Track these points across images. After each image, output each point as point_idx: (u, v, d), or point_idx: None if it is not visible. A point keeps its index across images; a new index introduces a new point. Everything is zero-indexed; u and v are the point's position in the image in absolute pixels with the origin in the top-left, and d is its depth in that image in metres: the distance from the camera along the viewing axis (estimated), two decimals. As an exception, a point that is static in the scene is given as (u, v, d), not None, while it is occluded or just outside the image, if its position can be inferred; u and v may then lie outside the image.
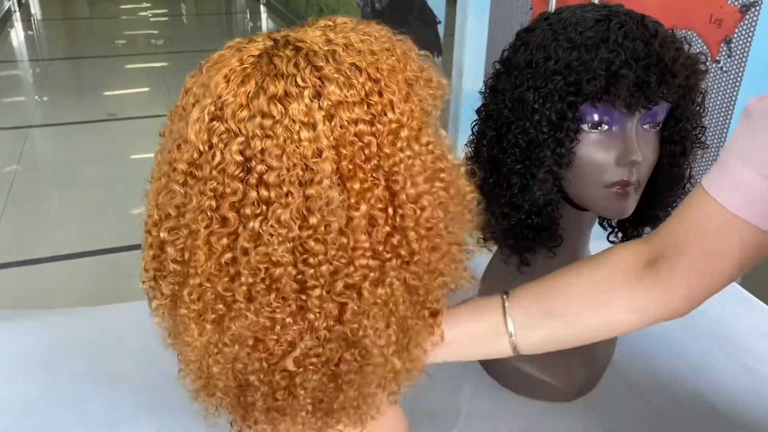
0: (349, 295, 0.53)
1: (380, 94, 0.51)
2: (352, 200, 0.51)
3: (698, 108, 0.77)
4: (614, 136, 0.73)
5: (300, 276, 0.51)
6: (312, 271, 0.51)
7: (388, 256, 0.53)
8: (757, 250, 0.59)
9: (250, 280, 0.51)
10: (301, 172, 0.49)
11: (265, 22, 6.68)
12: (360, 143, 0.50)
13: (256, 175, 0.49)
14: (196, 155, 0.50)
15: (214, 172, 0.50)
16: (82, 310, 1.09)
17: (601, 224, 0.88)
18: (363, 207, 0.51)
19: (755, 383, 0.94)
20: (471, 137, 0.83)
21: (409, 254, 0.54)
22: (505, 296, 0.67)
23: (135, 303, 1.07)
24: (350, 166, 0.50)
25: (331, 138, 0.49)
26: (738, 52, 1.49)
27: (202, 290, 0.53)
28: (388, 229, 0.53)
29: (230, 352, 0.55)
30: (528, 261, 0.82)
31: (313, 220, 0.50)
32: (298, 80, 0.49)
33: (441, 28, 3.05)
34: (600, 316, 0.66)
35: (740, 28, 1.48)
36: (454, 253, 0.58)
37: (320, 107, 0.49)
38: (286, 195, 0.49)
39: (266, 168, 0.49)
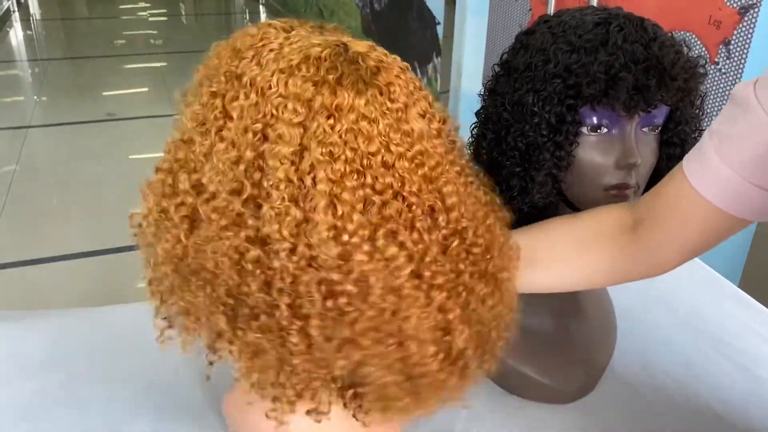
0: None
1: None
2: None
3: (697, 111, 0.77)
4: (613, 138, 0.73)
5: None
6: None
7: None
8: (728, 231, 0.63)
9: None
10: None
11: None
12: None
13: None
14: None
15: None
16: (81, 311, 1.09)
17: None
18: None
19: (753, 385, 0.94)
20: (470, 140, 0.83)
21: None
22: None
23: (134, 304, 1.07)
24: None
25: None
26: (737, 53, 1.49)
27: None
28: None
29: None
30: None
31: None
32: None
33: (440, 29, 3.05)
34: (581, 270, 0.72)
35: (739, 30, 1.48)
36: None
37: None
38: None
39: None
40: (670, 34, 0.73)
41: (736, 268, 1.58)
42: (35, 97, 4.45)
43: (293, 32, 0.56)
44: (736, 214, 0.60)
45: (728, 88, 1.51)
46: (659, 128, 0.76)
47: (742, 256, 1.59)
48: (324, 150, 0.50)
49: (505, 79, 0.76)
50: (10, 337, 0.99)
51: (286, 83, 0.51)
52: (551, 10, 2.00)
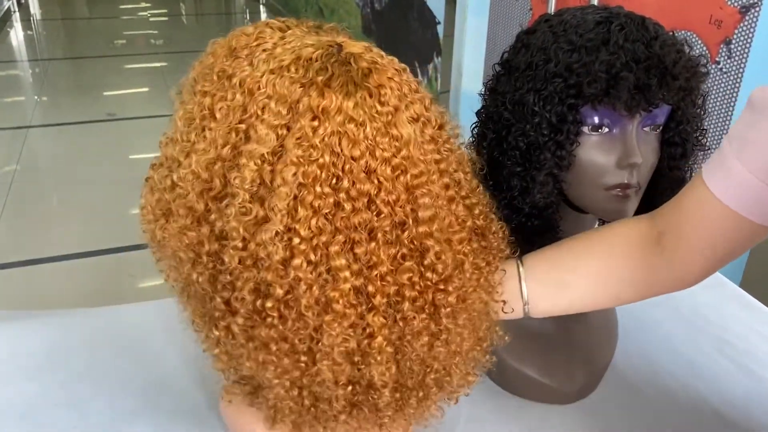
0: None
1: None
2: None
3: (699, 110, 0.77)
4: (615, 138, 0.73)
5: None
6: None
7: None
8: (752, 239, 0.62)
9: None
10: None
11: (265, 22, 6.68)
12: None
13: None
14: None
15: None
16: (82, 311, 1.09)
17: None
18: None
19: (755, 385, 0.94)
20: (470, 139, 0.82)
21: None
22: (520, 263, 0.71)
23: (135, 304, 1.07)
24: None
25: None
26: (738, 53, 1.49)
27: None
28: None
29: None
30: (528, 263, 0.82)
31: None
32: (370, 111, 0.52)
33: (440, 29, 3.05)
34: (608, 289, 0.71)
35: (740, 29, 1.48)
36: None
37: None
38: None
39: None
40: (671, 33, 0.73)
41: (737, 268, 1.58)
42: (36, 97, 4.45)
43: (289, 32, 0.55)
44: (757, 220, 0.59)
45: (729, 87, 1.51)
46: (660, 127, 0.75)
47: (744, 256, 1.59)
48: (301, 152, 0.49)
49: (506, 79, 0.76)
50: (10, 337, 0.98)
51: (274, 84, 0.50)
52: (552, 9, 1.99)
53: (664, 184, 0.78)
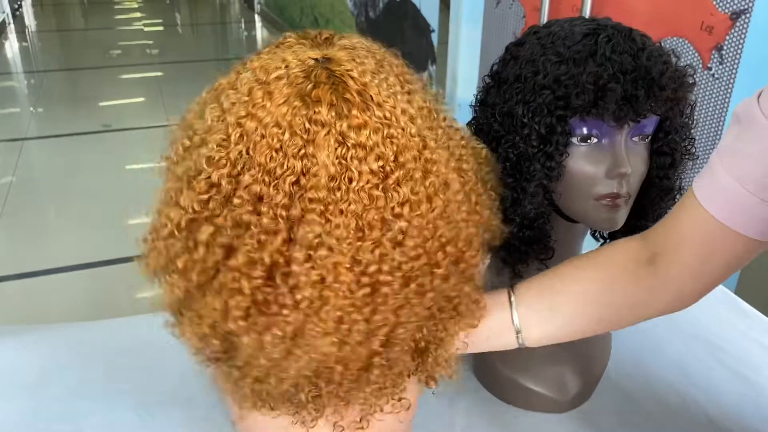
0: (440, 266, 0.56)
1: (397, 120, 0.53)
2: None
3: (687, 120, 0.78)
4: (603, 148, 0.73)
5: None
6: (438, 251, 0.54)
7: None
8: (746, 255, 0.61)
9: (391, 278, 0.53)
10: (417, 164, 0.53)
11: (260, 31, 6.69)
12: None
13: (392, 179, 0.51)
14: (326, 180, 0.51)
15: (352, 194, 0.51)
16: (78, 324, 1.09)
17: (592, 235, 0.89)
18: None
19: (748, 391, 0.94)
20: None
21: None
22: (511, 291, 0.71)
23: (132, 317, 1.07)
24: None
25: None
26: (729, 58, 1.50)
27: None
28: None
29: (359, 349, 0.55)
30: (520, 273, 0.83)
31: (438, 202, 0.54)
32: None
33: (435, 37, 3.05)
34: (600, 312, 0.69)
35: (731, 35, 1.49)
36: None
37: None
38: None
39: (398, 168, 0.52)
40: (658, 44, 0.73)
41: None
42: (31, 109, 4.45)
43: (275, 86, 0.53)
44: (750, 234, 0.58)
45: (721, 93, 1.52)
46: (649, 137, 0.76)
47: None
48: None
49: (496, 91, 0.77)
50: (7, 350, 0.99)
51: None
52: (545, 16, 2.00)
53: (653, 193, 0.79)
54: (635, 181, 0.75)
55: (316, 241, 0.50)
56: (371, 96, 0.52)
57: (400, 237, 0.52)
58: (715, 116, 1.53)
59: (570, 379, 0.90)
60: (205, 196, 0.52)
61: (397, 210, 0.52)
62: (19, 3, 7.10)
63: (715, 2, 1.49)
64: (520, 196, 0.75)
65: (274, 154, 0.50)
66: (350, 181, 0.50)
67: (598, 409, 0.90)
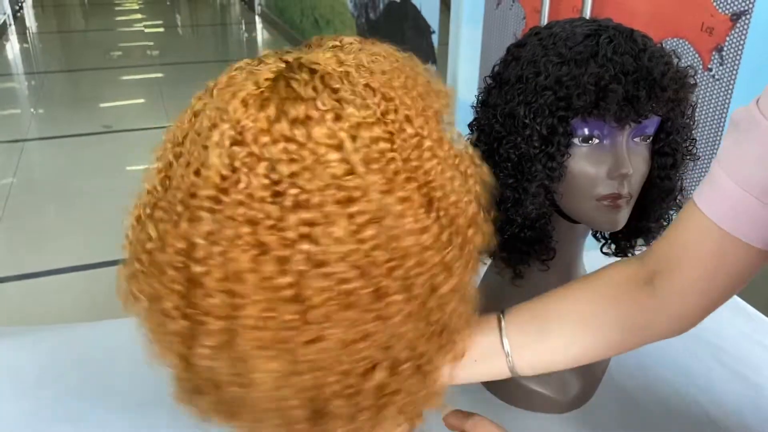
0: (425, 293, 0.53)
1: (396, 112, 0.52)
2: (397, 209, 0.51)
3: (688, 120, 0.78)
4: (605, 149, 0.73)
5: (373, 286, 0.51)
6: (384, 278, 0.51)
7: (447, 250, 0.54)
8: (753, 265, 0.58)
9: (319, 300, 0.50)
10: (335, 191, 0.48)
11: (260, 32, 6.70)
12: (384, 159, 0.50)
13: (290, 197, 0.48)
14: (218, 180, 0.49)
15: (241, 197, 0.48)
16: (77, 326, 1.09)
17: (594, 236, 0.89)
18: (409, 217, 0.51)
19: (750, 392, 0.94)
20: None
21: (463, 243, 0.56)
22: (501, 315, 0.67)
23: (131, 318, 1.07)
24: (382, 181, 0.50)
25: (359, 156, 0.49)
26: (729, 60, 1.50)
27: (265, 319, 0.50)
28: (437, 228, 0.53)
29: (308, 380, 0.53)
30: (521, 273, 0.83)
31: (369, 232, 0.49)
32: (318, 104, 0.49)
33: (435, 38, 3.06)
34: (595, 337, 0.65)
35: (731, 36, 1.49)
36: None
37: (342, 129, 0.49)
38: (327, 215, 0.48)
39: (299, 190, 0.48)
40: (659, 45, 0.74)
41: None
42: (32, 110, 4.45)
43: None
44: (754, 243, 0.56)
45: (722, 94, 1.52)
46: (651, 138, 0.76)
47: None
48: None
49: (497, 91, 0.77)
50: (5, 351, 0.98)
51: None
52: (545, 17, 2.00)
53: (655, 194, 0.79)
54: (637, 182, 0.75)
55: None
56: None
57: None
58: (716, 117, 1.53)
59: (571, 380, 0.90)
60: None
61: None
62: (20, 4, 7.11)
63: (715, 3, 1.49)
64: (521, 196, 0.75)
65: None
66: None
67: (599, 409, 0.90)
